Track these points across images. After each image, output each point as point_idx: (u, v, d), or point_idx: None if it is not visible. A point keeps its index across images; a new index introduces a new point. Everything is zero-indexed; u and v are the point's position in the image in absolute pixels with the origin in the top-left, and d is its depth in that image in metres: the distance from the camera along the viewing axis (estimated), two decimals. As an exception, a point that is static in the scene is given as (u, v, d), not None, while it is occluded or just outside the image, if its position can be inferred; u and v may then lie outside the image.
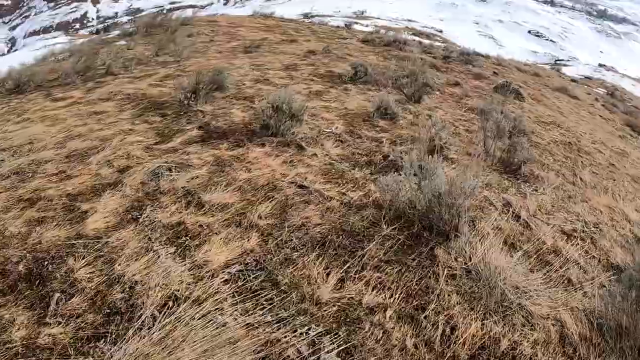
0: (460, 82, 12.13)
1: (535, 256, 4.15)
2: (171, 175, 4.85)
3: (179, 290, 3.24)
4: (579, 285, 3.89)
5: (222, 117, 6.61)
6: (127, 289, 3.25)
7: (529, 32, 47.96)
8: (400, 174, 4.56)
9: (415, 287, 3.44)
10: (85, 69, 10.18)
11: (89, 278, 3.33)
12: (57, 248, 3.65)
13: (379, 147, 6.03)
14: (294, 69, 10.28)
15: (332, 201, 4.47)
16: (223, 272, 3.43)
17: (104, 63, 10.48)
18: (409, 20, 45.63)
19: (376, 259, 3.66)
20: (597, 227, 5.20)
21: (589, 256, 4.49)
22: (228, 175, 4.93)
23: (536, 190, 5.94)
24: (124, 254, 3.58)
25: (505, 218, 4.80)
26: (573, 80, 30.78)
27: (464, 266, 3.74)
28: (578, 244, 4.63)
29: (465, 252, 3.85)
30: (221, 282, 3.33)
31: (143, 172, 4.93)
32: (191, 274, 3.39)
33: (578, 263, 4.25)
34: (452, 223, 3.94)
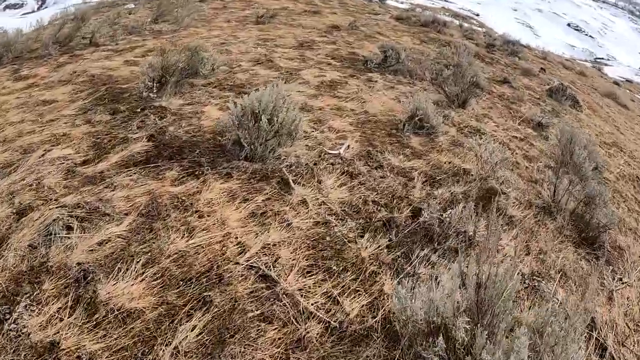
0: (509, 80, 9.60)
1: None
2: (69, 238, 2.78)
3: None
4: None
5: (188, 120, 4.38)
6: None
7: (569, 24, 43.77)
8: (433, 278, 2.36)
9: None
10: (68, 39, 8.01)
11: None
12: None
13: (406, 188, 3.78)
14: (309, 48, 7.92)
15: (311, 322, 2.28)
16: None
17: (91, 31, 8.30)
18: (446, 1, 41.85)
19: None
20: None
21: None
22: (156, 239, 2.77)
23: (621, 281, 3.72)
24: None
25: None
26: (615, 83, 27.50)
27: None
28: None
29: None
30: None
31: (37, 226, 2.87)
32: None
33: None
34: None
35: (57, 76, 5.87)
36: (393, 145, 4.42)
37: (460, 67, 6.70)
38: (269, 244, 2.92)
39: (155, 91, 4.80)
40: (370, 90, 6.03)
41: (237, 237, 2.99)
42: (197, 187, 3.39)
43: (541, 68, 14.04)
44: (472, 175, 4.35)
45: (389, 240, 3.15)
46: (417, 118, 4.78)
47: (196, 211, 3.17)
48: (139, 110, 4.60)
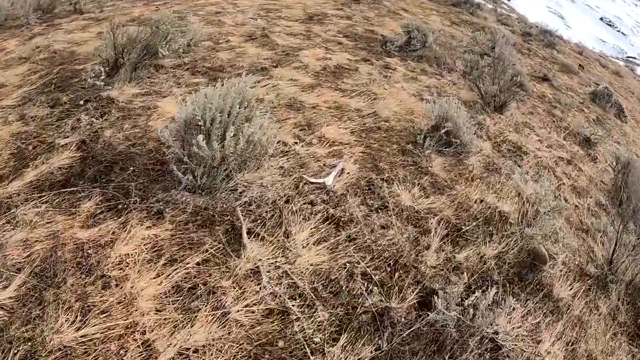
0: (549, 77, 7.99)
1: None
2: None
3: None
4: None
5: (134, 120, 3.02)
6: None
7: (601, 19, 40.73)
8: None
9: None
10: (51, 6, 6.58)
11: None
12: None
13: (416, 248, 2.41)
14: (319, 22, 6.37)
15: None
16: None
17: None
18: (478, -18, 38.79)
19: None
20: None
21: None
22: (43, 320, 1.70)
23: None
24: None
25: None
26: (647, 84, 25.16)
27: None
28: None
29: None
30: None
31: None
32: None
33: None
34: None
35: (19, 52, 4.52)
36: (407, 170, 3.05)
37: (501, 61, 5.20)
38: (188, 350, 1.69)
39: (104, 77, 3.46)
40: (385, 82, 4.59)
41: (144, 331, 1.77)
42: (113, 232, 2.16)
43: (579, 65, 12.26)
44: (510, 223, 2.99)
45: (376, 349, 1.87)
46: (443, 130, 3.39)
47: (102, 276, 1.98)
48: (81, 102, 3.26)
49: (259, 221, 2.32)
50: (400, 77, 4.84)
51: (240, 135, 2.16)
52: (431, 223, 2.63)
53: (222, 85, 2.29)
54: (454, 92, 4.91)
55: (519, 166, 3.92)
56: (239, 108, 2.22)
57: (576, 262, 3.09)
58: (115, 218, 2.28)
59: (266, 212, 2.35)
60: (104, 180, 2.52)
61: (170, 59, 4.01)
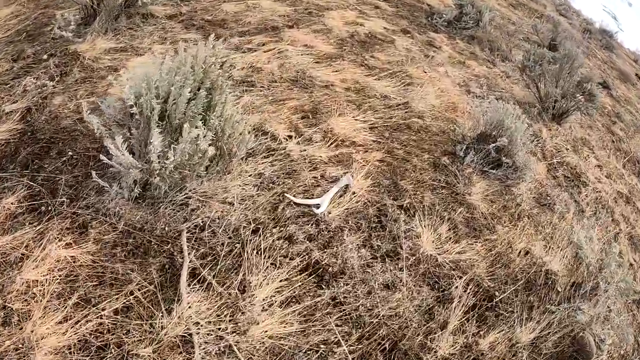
0: (609, 84, 6.79)
1: None
2: None
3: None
4: None
5: (94, 84, 2.20)
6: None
7: (659, 24, 37.39)
8: None
9: None
10: None
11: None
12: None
13: (427, 325, 1.56)
14: (360, -24, 5.30)
15: None
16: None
17: None
18: (537, -34, 35.59)
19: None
20: None
21: None
22: None
23: None
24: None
25: None
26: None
27: None
28: None
29: None
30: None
31: None
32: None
33: None
34: None
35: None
36: (436, 195, 2.17)
37: (569, 60, 4.12)
38: None
39: (74, 27, 2.57)
40: (426, 63, 3.59)
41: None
42: (27, 246, 1.51)
43: (636, 74, 10.86)
44: (557, 291, 2.13)
45: None
46: (494, 145, 2.47)
47: (2, 306, 1.33)
48: (44, 57, 2.46)
49: (209, 258, 1.52)
50: (445, 59, 3.82)
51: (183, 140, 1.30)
52: (456, 286, 1.79)
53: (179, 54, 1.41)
54: (506, 87, 3.88)
55: (575, 201, 2.99)
56: (200, 91, 1.35)
57: (624, 350, 2.26)
58: (35, 224, 1.58)
59: (222, 245, 1.54)
60: (35, 167, 1.81)
61: (166, 7, 3.09)
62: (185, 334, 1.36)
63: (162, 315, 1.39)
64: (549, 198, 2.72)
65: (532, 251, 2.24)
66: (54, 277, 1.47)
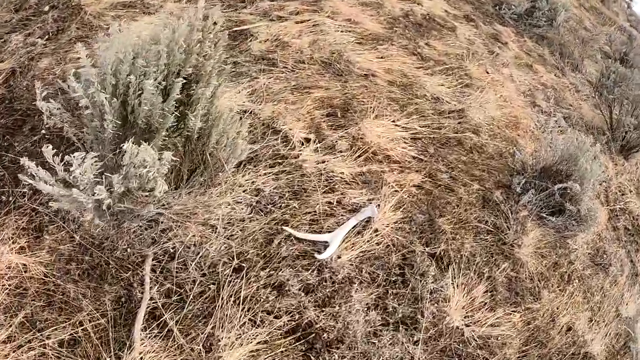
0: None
1: None
2: None
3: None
4: None
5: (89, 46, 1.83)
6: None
7: None
8: None
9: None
10: None
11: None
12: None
13: None
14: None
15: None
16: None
17: None
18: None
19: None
20: None
21: None
22: None
23: None
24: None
25: None
26: None
27: None
28: None
29: None
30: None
31: None
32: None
33: None
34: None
35: None
36: (479, 242, 1.67)
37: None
38: None
39: None
40: (489, 60, 2.98)
41: None
42: None
43: None
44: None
45: None
46: (560, 186, 1.95)
47: None
48: (46, 9, 2.07)
49: (175, 298, 1.12)
50: (511, 59, 3.20)
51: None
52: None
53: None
54: (574, 104, 3.26)
55: (632, 261, 2.47)
56: (175, 80, 0.89)
57: None
58: None
59: (193, 282, 1.13)
60: (5, 144, 1.45)
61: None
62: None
63: (107, 362, 1.03)
64: (605, 256, 2.20)
65: (575, 326, 1.77)
66: (3, 286, 1.16)
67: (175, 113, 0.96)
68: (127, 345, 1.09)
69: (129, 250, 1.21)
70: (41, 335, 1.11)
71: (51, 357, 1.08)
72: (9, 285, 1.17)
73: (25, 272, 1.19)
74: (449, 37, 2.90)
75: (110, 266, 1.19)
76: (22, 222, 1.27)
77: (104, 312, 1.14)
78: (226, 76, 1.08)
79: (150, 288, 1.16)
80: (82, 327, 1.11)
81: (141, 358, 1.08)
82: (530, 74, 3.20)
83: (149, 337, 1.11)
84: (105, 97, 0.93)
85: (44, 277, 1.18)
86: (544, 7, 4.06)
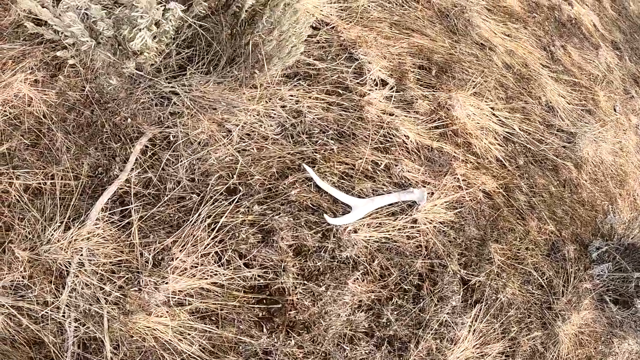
0: None
1: None
2: None
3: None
4: None
5: None
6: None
7: None
8: None
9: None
10: None
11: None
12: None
13: None
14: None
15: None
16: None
17: None
18: None
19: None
20: None
21: None
22: None
23: None
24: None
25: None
26: None
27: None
28: None
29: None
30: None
31: None
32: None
33: None
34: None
35: None
36: (521, 294, 1.20)
37: None
38: None
39: None
40: (621, 99, 2.37)
41: None
42: (3, 64, 1.02)
43: None
44: None
45: None
46: (639, 275, 1.49)
47: None
48: None
49: (151, 191, 0.93)
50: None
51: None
52: None
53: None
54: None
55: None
56: None
57: None
58: (25, 45, 1.07)
59: (177, 184, 0.91)
60: None
61: None
62: (64, 267, 0.77)
63: (57, 227, 0.80)
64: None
65: None
66: (4, 112, 0.96)
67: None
68: (81, 220, 0.85)
69: (129, 120, 0.94)
70: (13, 172, 0.89)
71: (13, 197, 0.87)
72: (9, 113, 0.96)
73: (29, 105, 0.97)
74: (589, 52, 2.32)
75: (104, 129, 0.93)
76: (47, 57, 1.04)
77: (78, 174, 0.90)
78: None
79: (132, 170, 0.89)
80: (51, 181, 0.89)
81: (88, 238, 0.84)
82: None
83: (106, 221, 0.86)
84: None
85: (41, 117, 0.96)
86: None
